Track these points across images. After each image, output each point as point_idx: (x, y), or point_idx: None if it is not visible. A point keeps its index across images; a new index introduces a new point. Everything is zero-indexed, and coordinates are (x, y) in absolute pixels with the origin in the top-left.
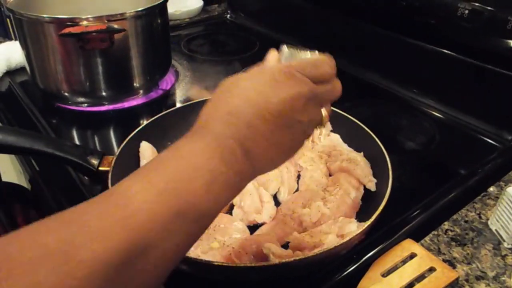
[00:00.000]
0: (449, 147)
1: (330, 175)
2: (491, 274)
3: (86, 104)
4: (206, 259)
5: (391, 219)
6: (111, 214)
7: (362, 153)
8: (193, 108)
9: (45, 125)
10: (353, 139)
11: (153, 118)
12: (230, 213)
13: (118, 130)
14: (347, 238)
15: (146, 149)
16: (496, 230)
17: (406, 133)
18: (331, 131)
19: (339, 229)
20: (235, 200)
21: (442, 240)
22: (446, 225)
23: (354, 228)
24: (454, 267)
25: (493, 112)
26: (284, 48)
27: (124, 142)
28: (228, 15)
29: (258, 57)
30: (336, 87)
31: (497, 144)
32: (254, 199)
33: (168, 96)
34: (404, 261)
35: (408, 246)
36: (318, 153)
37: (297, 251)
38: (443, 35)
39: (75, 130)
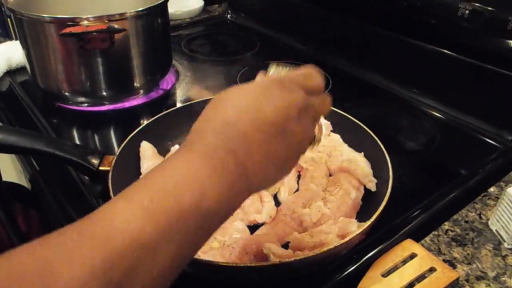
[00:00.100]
0: (449, 147)
1: (330, 175)
2: (491, 274)
3: (86, 104)
4: (206, 259)
5: (392, 219)
6: (94, 235)
7: (362, 153)
8: (194, 108)
9: (45, 124)
10: (353, 139)
11: (153, 118)
12: None
13: (119, 130)
14: (348, 238)
15: (147, 149)
16: (496, 230)
17: (406, 133)
18: (332, 131)
19: (340, 229)
20: None
21: (443, 240)
22: (446, 225)
23: (354, 228)
24: (454, 267)
25: (493, 112)
26: (272, 65)
27: (125, 142)
28: (228, 15)
29: (258, 57)
30: (326, 100)
31: (497, 145)
32: (254, 199)
33: (168, 96)
34: (404, 261)
35: (409, 246)
36: (318, 153)
37: (297, 251)
38: (444, 35)
39: (75, 130)
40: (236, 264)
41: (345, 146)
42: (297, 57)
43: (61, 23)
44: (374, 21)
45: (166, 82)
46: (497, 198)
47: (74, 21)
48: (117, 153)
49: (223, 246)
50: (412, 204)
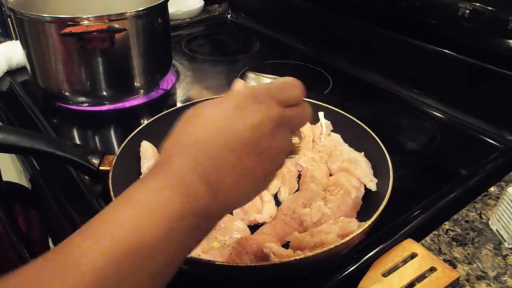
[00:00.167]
0: (449, 147)
1: (330, 175)
2: (492, 274)
3: (86, 104)
4: (206, 259)
5: (392, 219)
6: (59, 276)
7: (362, 153)
8: None
9: (45, 124)
10: (353, 139)
11: (153, 118)
12: (231, 213)
13: (119, 129)
14: (348, 238)
15: (147, 149)
16: (497, 230)
17: (406, 133)
18: (332, 131)
19: (340, 229)
20: None
21: (443, 240)
22: (446, 225)
23: (354, 228)
24: (455, 267)
25: (494, 112)
26: (249, 74)
27: (125, 142)
28: (228, 15)
29: (258, 57)
30: (305, 111)
31: (497, 144)
32: (255, 199)
33: (168, 96)
34: (404, 261)
35: (409, 246)
36: (318, 153)
37: (297, 251)
38: (444, 35)
39: (75, 129)
40: (236, 264)
41: (346, 145)
42: (297, 57)
43: (62, 23)
44: (374, 21)
45: (166, 82)
46: (498, 197)
47: (75, 21)
48: (118, 153)
49: (224, 245)
50: (412, 204)
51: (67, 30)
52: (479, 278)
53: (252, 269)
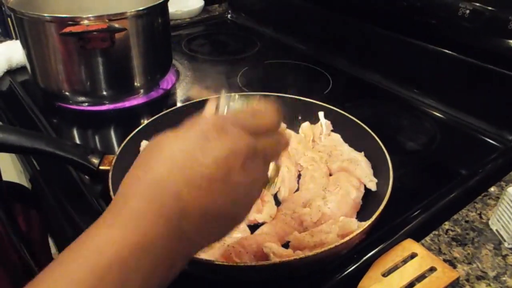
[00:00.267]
0: (449, 147)
1: (330, 175)
2: (491, 274)
3: (86, 104)
4: (206, 259)
5: (392, 219)
6: None
7: (362, 153)
8: (194, 108)
9: (45, 124)
10: (353, 139)
11: (153, 118)
12: None
13: (119, 129)
14: (348, 238)
15: None
16: (496, 230)
17: (406, 133)
18: (332, 131)
19: (340, 228)
20: None
21: (443, 240)
22: (446, 225)
23: (354, 228)
24: (454, 267)
25: (494, 112)
26: (223, 95)
27: (125, 142)
28: (229, 15)
29: (258, 57)
30: (280, 140)
31: (498, 144)
32: None
33: (168, 96)
34: (404, 261)
35: (409, 246)
36: (318, 153)
37: (297, 251)
38: (444, 35)
39: (75, 129)
40: (236, 264)
41: (346, 145)
42: (297, 57)
43: (62, 22)
44: (374, 21)
45: (166, 82)
46: (498, 197)
47: (75, 21)
48: (117, 153)
49: (223, 245)
50: (412, 203)
51: (67, 29)
52: (479, 278)
53: (252, 269)
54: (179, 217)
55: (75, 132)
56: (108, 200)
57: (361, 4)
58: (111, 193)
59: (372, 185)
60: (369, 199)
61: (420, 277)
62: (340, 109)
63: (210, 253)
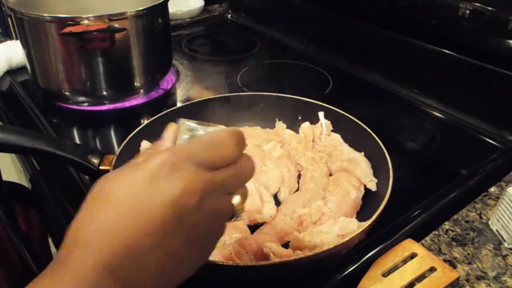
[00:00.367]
0: (449, 147)
1: (330, 175)
2: (491, 274)
3: (87, 104)
4: None
5: (392, 219)
6: None
7: (362, 153)
8: (194, 108)
9: (45, 124)
10: (353, 139)
11: (153, 118)
12: None
13: (119, 129)
14: (348, 238)
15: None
16: (496, 230)
17: (406, 133)
18: (332, 131)
19: (340, 228)
20: None
21: (443, 240)
22: (446, 225)
23: (354, 228)
24: (454, 267)
25: (494, 112)
26: (181, 123)
27: (125, 142)
28: (229, 15)
29: (258, 57)
30: (244, 168)
31: (498, 144)
32: (255, 199)
33: (168, 96)
34: (404, 261)
35: (409, 246)
36: (318, 153)
37: (297, 251)
38: (444, 35)
39: (75, 129)
40: (236, 264)
41: (346, 145)
42: (297, 57)
43: (62, 22)
44: (374, 21)
45: (167, 82)
46: (498, 198)
47: (75, 21)
48: (118, 153)
49: (223, 245)
50: (412, 204)
51: (67, 29)
52: (479, 278)
53: (252, 269)
54: (127, 270)
55: (75, 132)
56: None
57: (361, 4)
58: None
59: (372, 185)
60: (369, 199)
61: (420, 277)
62: (340, 109)
63: None
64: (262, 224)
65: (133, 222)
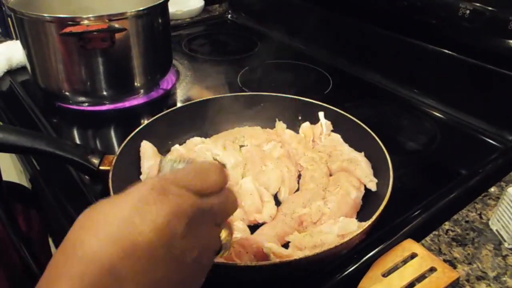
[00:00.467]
0: (450, 147)
1: (330, 175)
2: (491, 274)
3: (87, 104)
4: None
5: (392, 219)
6: None
7: (362, 153)
8: (194, 108)
9: (46, 124)
10: (353, 139)
11: (153, 118)
12: None
13: (119, 129)
14: (348, 238)
15: (147, 149)
16: (497, 230)
17: (406, 133)
18: (332, 131)
19: (340, 229)
20: None
21: (443, 240)
22: (447, 225)
23: (354, 228)
24: (454, 267)
25: (494, 112)
26: (163, 161)
27: (125, 142)
28: (229, 15)
29: (258, 57)
30: (229, 198)
31: (498, 144)
32: (255, 199)
33: (169, 96)
34: (404, 261)
35: (409, 246)
36: (318, 153)
37: (297, 251)
38: (444, 35)
39: (76, 129)
40: (236, 264)
41: (346, 145)
42: (297, 57)
43: (62, 22)
44: (374, 21)
45: (167, 82)
46: (498, 198)
47: (75, 21)
48: (118, 153)
49: None
50: (412, 204)
51: (67, 29)
52: (479, 278)
53: (252, 269)
54: None
55: (75, 132)
56: None
57: (361, 4)
58: (111, 193)
59: (372, 185)
60: (369, 199)
61: (420, 278)
62: (340, 109)
63: None
64: (262, 224)
65: (120, 247)
